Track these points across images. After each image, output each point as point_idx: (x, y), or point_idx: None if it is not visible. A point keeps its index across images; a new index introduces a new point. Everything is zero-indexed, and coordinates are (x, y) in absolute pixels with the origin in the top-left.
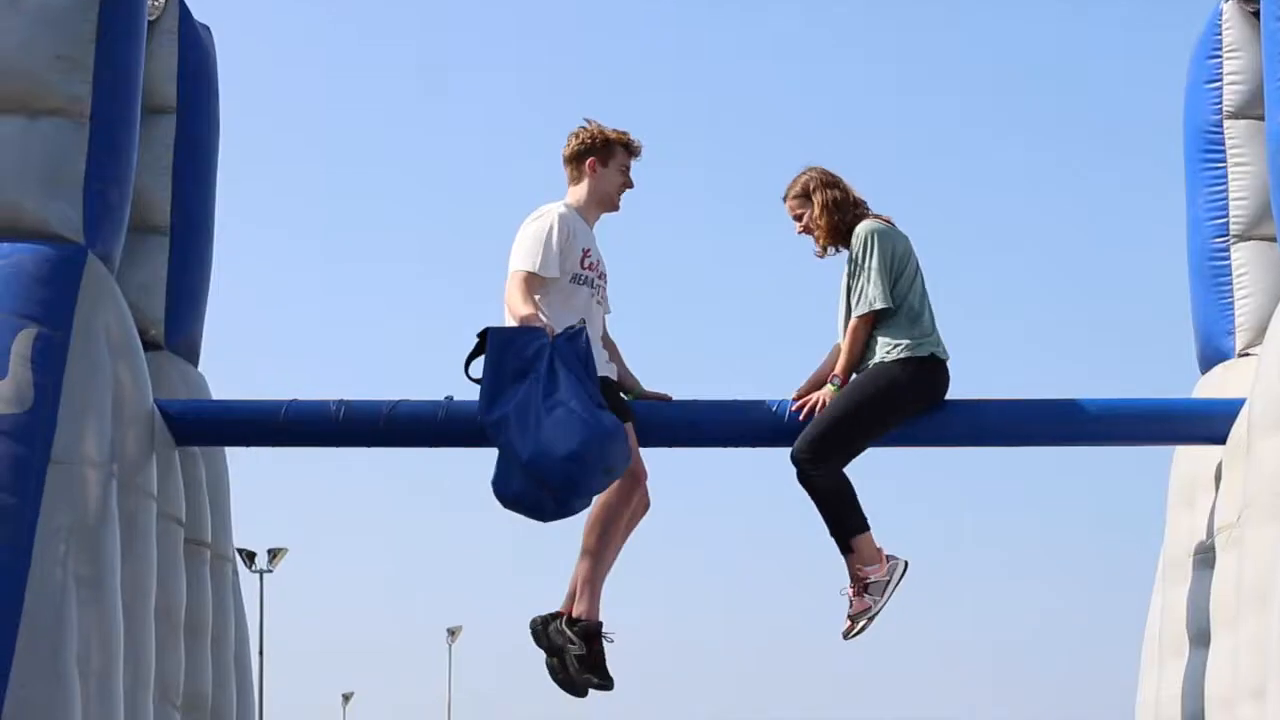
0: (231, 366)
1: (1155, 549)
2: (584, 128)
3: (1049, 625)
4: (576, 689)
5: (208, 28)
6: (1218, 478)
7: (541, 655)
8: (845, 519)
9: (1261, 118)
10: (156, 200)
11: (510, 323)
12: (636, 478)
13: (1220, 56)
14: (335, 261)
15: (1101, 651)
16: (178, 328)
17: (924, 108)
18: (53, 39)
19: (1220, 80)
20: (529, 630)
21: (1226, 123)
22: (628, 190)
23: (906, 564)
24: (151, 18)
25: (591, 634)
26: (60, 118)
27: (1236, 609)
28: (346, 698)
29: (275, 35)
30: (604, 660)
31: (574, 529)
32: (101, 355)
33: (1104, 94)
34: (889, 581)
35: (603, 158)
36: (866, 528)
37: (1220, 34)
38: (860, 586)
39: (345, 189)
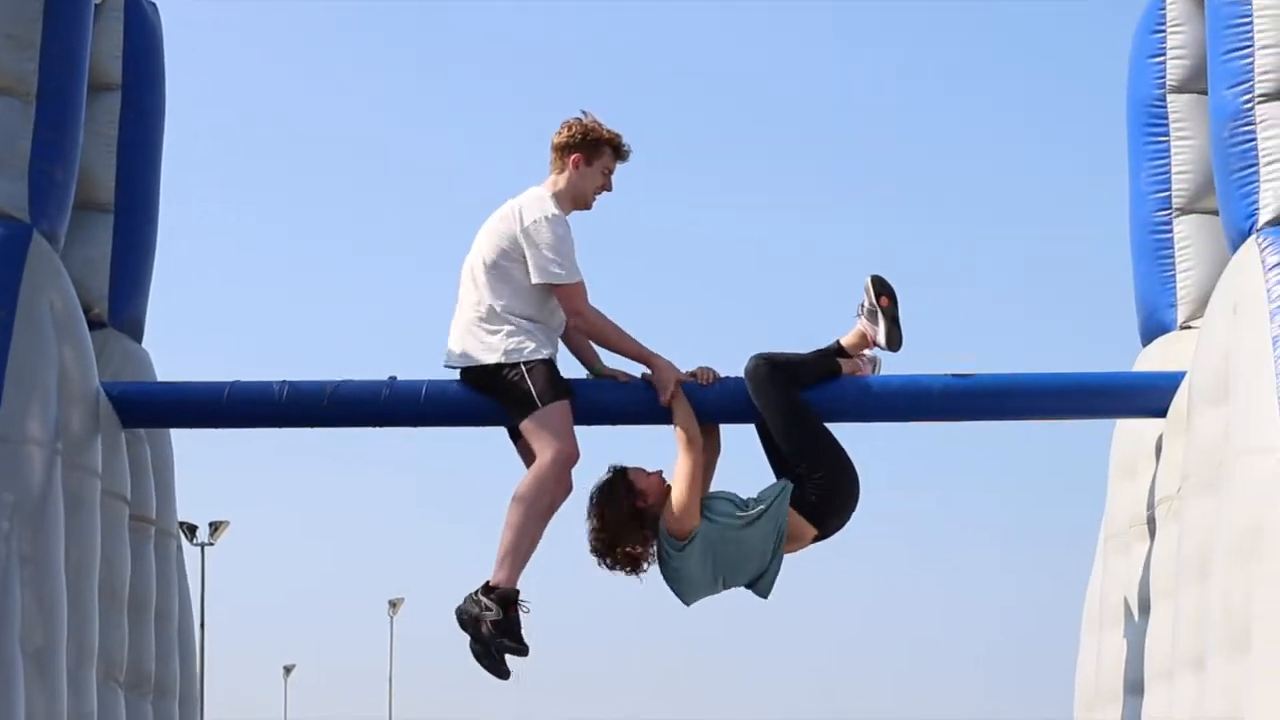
0: (177, 344)
1: (1096, 521)
2: (579, 120)
3: (990, 597)
4: (499, 672)
5: (154, 5)
6: (1158, 450)
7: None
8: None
9: (1204, 92)
10: (101, 178)
11: (539, 339)
12: (570, 459)
13: (1164, 31)
14: (280, 240)
15: (1042, 623)
16: (122, 305)
17: (866, 74)
18: (0, 18)
19: (1164, 55)
20: (456, 618)
21: (1169, 97)
22: (605, 193)
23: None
24: (97, 0)
25: (509, 600)
26: (7, 96)
27: (1176, 580)
28: (288, 670)
29: (226, 11)
30: (519, 626)
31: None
32: (46, 334)
33: (1047, 68)
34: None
35: (588, 155)
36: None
37: (1164, 9)
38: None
39: (294, 168)
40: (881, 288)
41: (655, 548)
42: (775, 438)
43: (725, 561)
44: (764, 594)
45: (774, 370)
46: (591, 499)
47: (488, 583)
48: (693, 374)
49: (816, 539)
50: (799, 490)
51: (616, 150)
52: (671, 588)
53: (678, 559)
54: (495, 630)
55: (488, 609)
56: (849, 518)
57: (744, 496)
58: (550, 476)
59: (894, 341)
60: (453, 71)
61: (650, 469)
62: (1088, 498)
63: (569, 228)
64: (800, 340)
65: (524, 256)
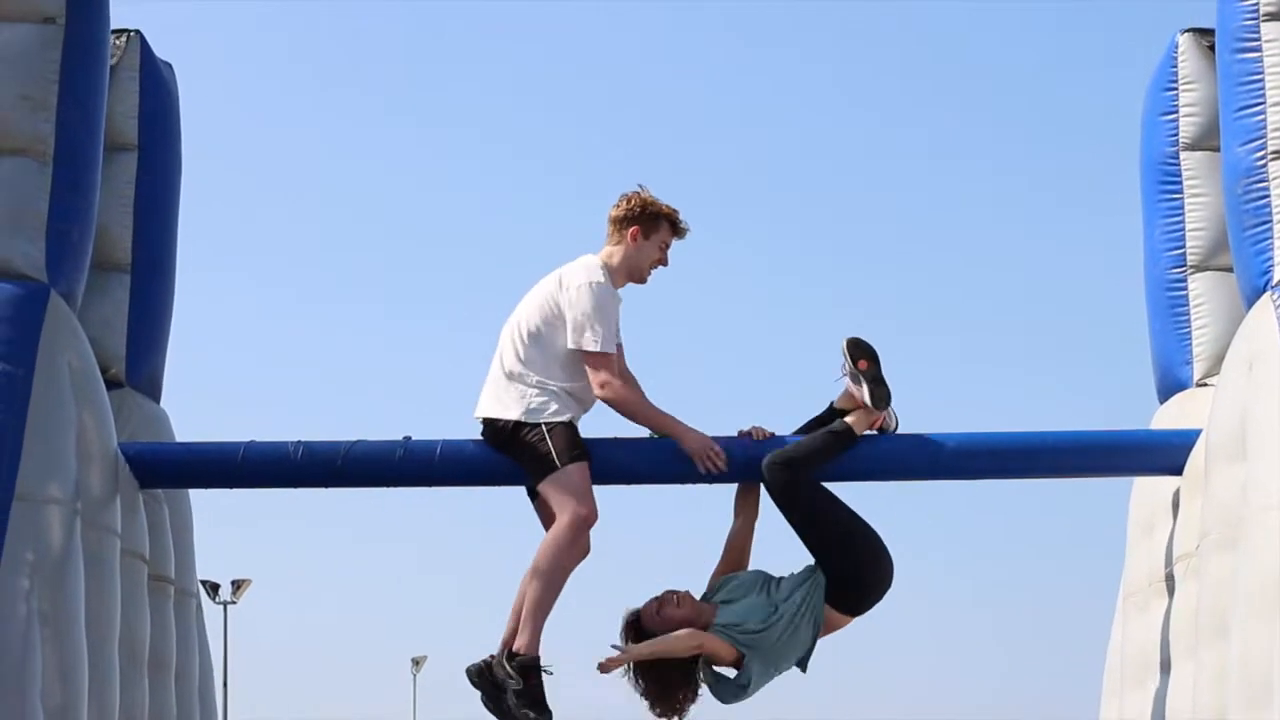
0: (195, 403)
1: (1116, 579)
2: (638, 193)
3: (1010, 657)
4: None
5: (170, 65)
6: (1176, 507)
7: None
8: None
9: (1217, 149)
10: (118, 237)
11: (555, 400)
12: (587, 521)
13: (1176, 89)
14: (296, 300)
15: (1062, 682)
16: (139, 365)
17: (881, 135)
18: (16, 79)
19: (1176, 112)
20: (466, 677)
21: (1183, 154)
22: (660, 267)
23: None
24: (113, 61)
25: (529, 668)
26: (23, 157)
27: (1195, 637)
28: None
29: (242, 73)
30: (543, 694)
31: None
32: (65, 393)
33: (1062, 126)
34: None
35: (646, 230)
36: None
37: (1176, 66)
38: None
39: (310, 229)
40: (858, 351)
41: (701, 674)
42: (802, 540)
43: (781, 662)
44: (804, 669)
45: (788, 472)
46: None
47: (510, 649)
48: (745, 432)
49: (851, 620)
50: (831, 587)
51: (674, 226)
52: (732, 703)
53: (744, 685)
54: (519, 700)
55: (510, 677)
56: (882, 597)
57: (775, 576)
58: (568, 539)
59: (880, 400)
60: (474, 137)
61: (671, 600)
62: (1106, 556)
63: (614, 298)
64: (809, 398)
65: (564, 322)
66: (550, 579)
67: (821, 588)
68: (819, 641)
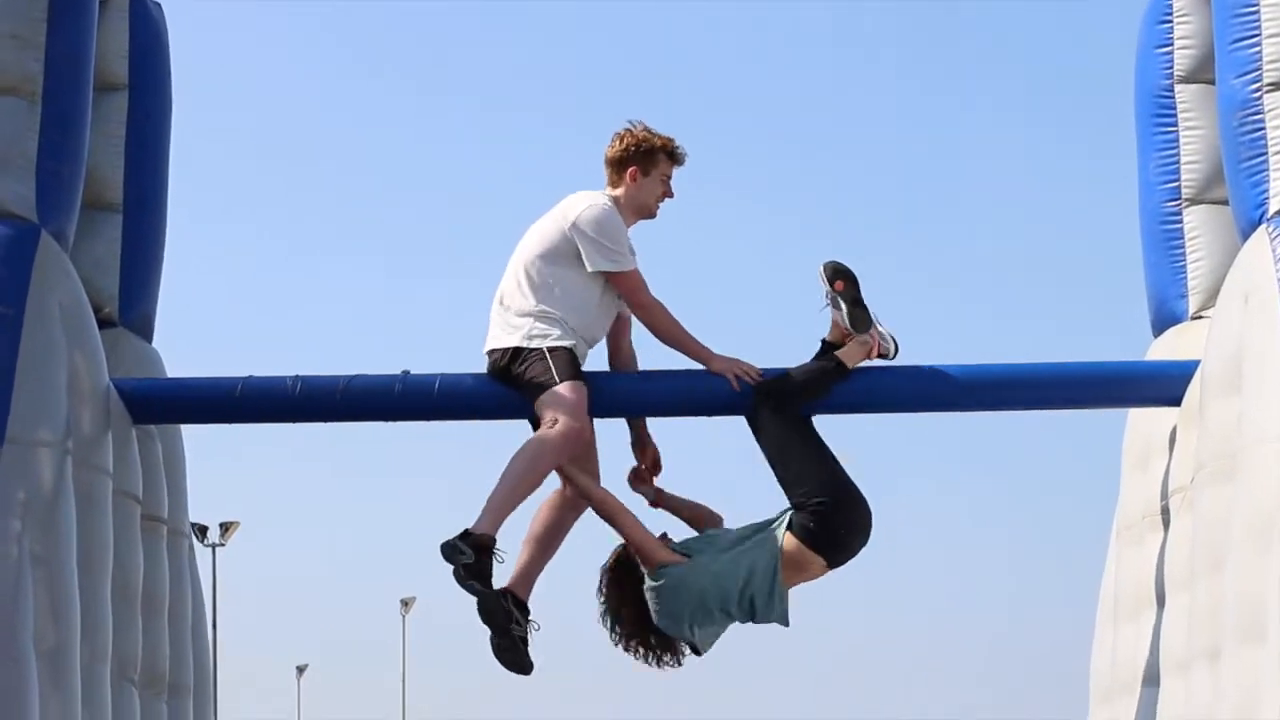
0: (187, 344)
1: (1110, 513)
2: (630, 130)
3: (1002, 590)
4: (523, 666)
5: (159, 4)
6: (1172, 440)
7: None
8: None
9: (1212, 82)
10: (109, 177)
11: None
12: (581, 434)
13: (1171, 21)
14: (290, 238)
15: (1055, 615)
16: (132, 304)
17: (874, 71)
18: (5, 18)
19: (1171, 45)
20: (477, 604)
21: (1178, 87)
22: (667, 200)
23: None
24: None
25: (484, 547)
26: (12, 96)
27: (1190, 570)
28: (301, 670)
29: (236, 12)
30: (490, 572)
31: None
32: (56, 333)
33: (1057, 58)
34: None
35: (644, 166)
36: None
37: None
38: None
39: (303, 166)
40: (835, 273)
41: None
42: (775, 470)
43: (717, 579)
44: (780, 621)
45: (762, 402)
46: (601, 598)
47: (468, 529)
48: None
49: (827, 568)
50: (798, 517)
51: (672, 155)
52: (671, 630)
53: (657, 591)
54: (466, 574)
55: (463, 553)
56: (858, 547)
57: (735, 531)
58: (554, 446)
59: (859, 322)
60: (464, 71)
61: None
62: (1101, 489)
63: (620, 218)
64: (807, 337)
65: (570, 256)
66: (527, 475)
67: (787, 517)
68: (791, 590)
